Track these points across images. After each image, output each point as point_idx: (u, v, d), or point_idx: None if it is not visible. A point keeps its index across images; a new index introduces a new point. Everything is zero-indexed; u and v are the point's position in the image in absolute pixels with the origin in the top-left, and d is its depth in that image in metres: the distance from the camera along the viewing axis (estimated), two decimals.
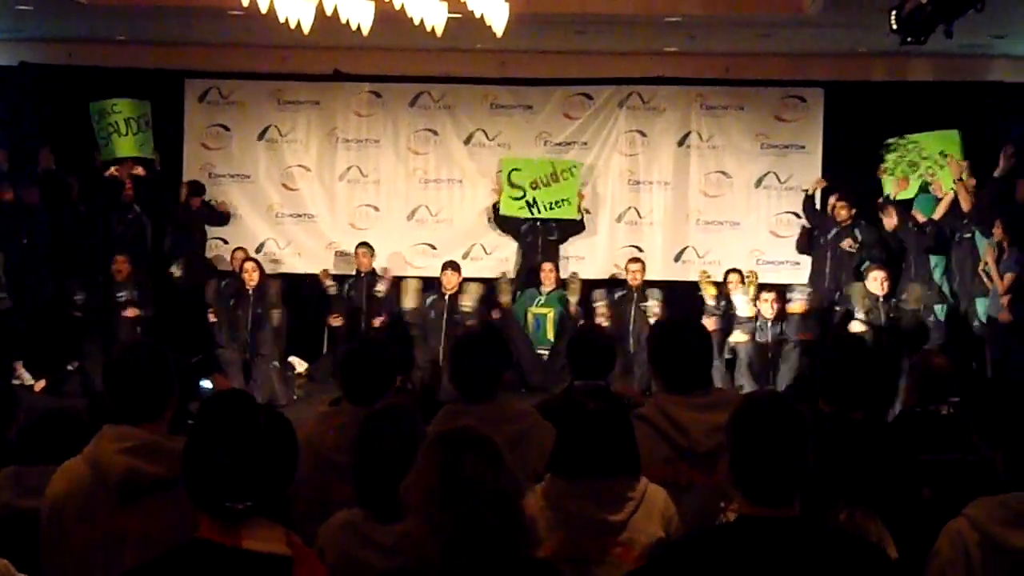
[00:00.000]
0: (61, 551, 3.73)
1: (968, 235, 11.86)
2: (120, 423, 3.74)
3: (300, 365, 12.65)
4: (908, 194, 12.65)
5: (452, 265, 12.63)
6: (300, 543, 3.09)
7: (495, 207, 13.60)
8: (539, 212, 13.37)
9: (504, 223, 13.58)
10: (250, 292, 11.93)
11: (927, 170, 12.65)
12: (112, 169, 13.14)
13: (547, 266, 12.86)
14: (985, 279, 11.34)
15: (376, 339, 5.57)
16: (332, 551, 3.69)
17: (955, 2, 6.34)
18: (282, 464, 3.04)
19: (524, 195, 13.37)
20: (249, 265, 12.08)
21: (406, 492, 3.08)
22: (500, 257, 13.69)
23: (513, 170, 13.45)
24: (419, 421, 3.92)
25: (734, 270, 12.59)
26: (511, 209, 13.43)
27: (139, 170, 13.12)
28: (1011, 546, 3.36)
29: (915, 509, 4.15)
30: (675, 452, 4.51)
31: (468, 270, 13.42)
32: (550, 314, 12.61)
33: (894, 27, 7.32)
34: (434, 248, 13.83)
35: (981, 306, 11.49)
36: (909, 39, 7.24)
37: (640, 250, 13.60)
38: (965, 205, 11.83)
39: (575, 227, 13.54)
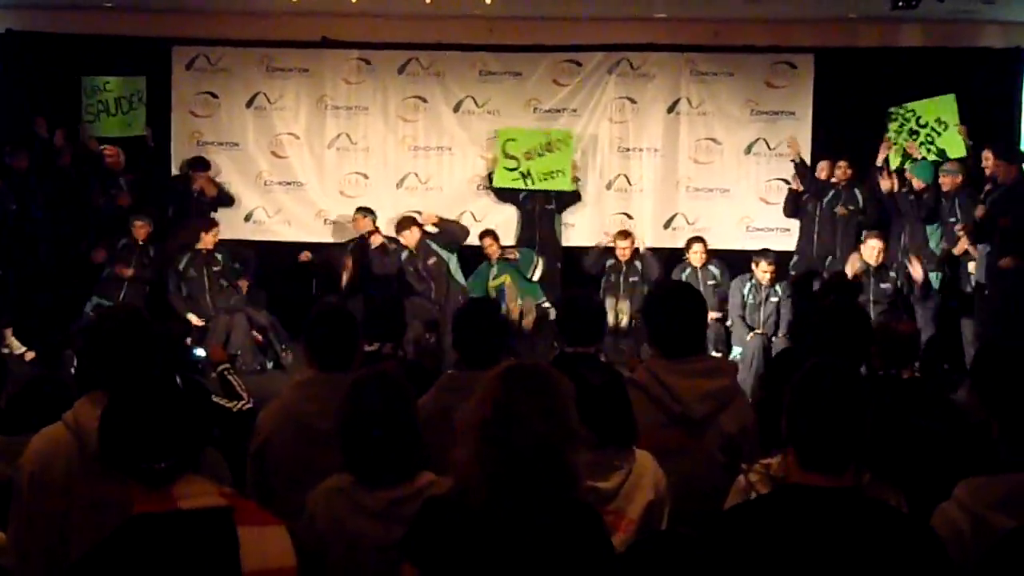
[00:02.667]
0: (39, 516, 3.73)
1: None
2: (103, 389, 3.74)
3: None
4: (894, 159, 12.66)
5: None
6: (233, 492, 3.12)
7: (489, 177, 13.57)
8: (532, 183, 13.35)
9: (501, 192, 13.57)
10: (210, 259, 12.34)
11: (926, 137, 12.63)
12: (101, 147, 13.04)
13: (487, 240, 12.95)
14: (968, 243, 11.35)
15: (336, 305, 5.53)
16: (322, 517, 3.71)
17: None
18: (196, 418, 3.07)
19: (518, 166, 13.34)
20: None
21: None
22: (490, 224, 13.63)
23: (508, 140, 13.41)
24: (406, 387, 3.92)
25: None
26: (505, 180, 13.41)
27: (110, 151, 13.01)
28: (1001, 527, 3.34)
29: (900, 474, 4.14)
30: (668, 418, 4.53)
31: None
32: (507, 280, 12.66)
33: None
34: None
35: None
36: (900, 4, 7.22)
37: (630, 217, 13.60)
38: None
39: (572, 197, 13.53)
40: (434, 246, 12.64)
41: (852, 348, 4.90)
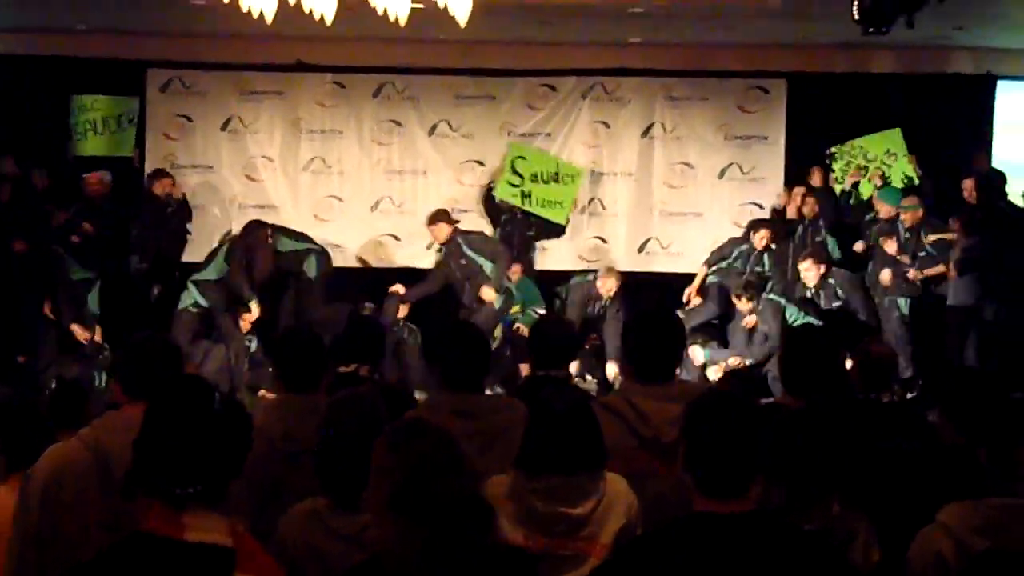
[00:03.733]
0: (50, 535, 3.72)
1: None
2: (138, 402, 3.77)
3: None
4: (865, 188, 12.77)
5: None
6: (244, 533, 3.09)
7: (489, 187, 13.54)
8: (530, 205, 13.32)
9: (488, 210, 13.51)
10: None
11: (875, 170, 12.80)
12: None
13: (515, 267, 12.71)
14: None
15: (302, 327, 5.56)
16: (294, 541, 3.70)
17: None
18: (234, 450, 3.04)
19: (521, 184, 13.35)
20: None
21: (367, 498, 3.10)
22: None
23: (518, 157, 13.42)
24: (382, 409, 3.93)
25: None
26: (505, 194, 13.36)
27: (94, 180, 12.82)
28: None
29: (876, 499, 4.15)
30: (639, 442, 4.53)
31: (431, 261, 13.43)
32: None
33: (856, 17, 7.35)
34: (398, 239, 13.79)
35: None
36: (871, 30, 7.27)
37: (604, 241, 13.65)
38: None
39: (556, 229, 13.51)
40: (465, 247, 12.27)
41: (821, 372, 4.92)
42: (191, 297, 11.78)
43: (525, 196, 13.34)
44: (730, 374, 10.30)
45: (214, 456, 3.00)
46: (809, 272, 11.49)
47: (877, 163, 12.85)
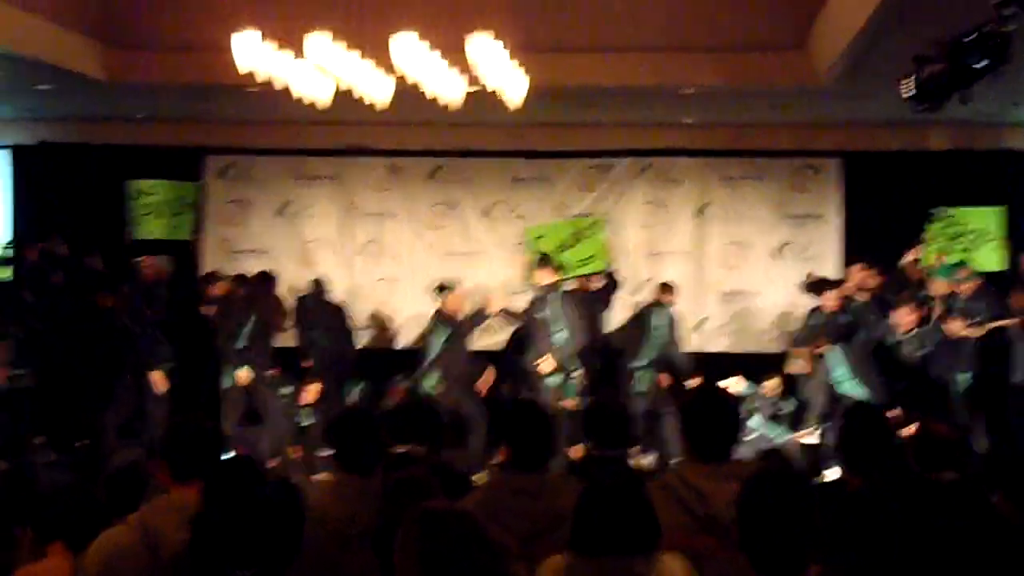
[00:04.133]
0: None
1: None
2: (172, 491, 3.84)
3: None
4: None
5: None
6: None
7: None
8: (569, 272, 13.34)
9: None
10: None
11: (966, 244, 12.62)
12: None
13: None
14: None
15: (360, 408, 5.55)
16: None
17: (972, 70, 6.34)
18: (286, 531, 3.04)
19: (553, 262, 13.36)
20: None
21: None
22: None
23: (538, 238, 13.46)
24: (439, 492, 3.91)
25: None
26: (543, 279, 13.35)
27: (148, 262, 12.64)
28: None
29: None
30: (696, 522, 4.47)
31: (487, 343, 13.44)
32: None
33: (910, 94, 7.33)
34: None
35: None
36: (924, 107, 7.24)
37: None
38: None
39: (611, 287, 13.26)
40: (553, 302, 12.15)
41: (880, 450, 4.87)
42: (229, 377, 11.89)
43: (560, 269, 13.33)
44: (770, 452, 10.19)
45: (267, 538, 2.99)
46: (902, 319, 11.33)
47: (972, 237, 12.66)
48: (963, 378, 11.51)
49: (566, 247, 13.39)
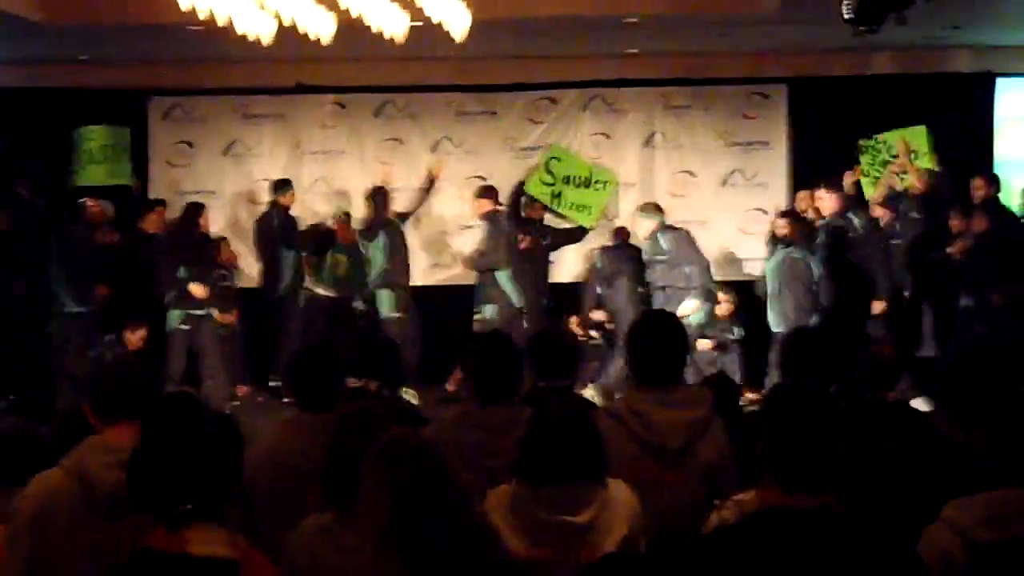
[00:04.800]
0: (41, 563, 3.74)
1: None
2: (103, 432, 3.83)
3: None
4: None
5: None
6: (246, 544, 3.13)
7: (520, 184, 13.51)
8: (559, 206, 13.41)
9: (513, 215, 13.26)
10: None
11: (899, 166, 12.71)
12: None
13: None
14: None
15: (321, 345, 5.57)
16: (302, 556, 3.69)
17: None
18: (226, 465, 3.07)
19: (554, 184, 13.38)
20: None
21: (360, 518, 3.11)
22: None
23: (553, 158, 13.44)
24: (390, 425, 3.94)
25: None
26: (536, 190, 13.39)
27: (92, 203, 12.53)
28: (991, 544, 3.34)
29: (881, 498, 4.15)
30: (645, 449, 4.53)
31: (440, 277, 13.48)
32: None
33: (846, 17, 7.36)
34: None
35: None
36: (862, 29, 7.29)
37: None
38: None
39: (572, 236, 13.46)
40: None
41: (820, 370, 4.96)
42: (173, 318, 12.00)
43: (555, 196, 13.38)
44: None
45: (207, 473, 3.03)
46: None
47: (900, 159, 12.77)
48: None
49: (571, 183, 13.42)
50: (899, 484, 4.17)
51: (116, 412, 3.92)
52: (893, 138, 12.77)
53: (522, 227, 12.88)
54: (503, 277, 12.22)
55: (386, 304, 12.51)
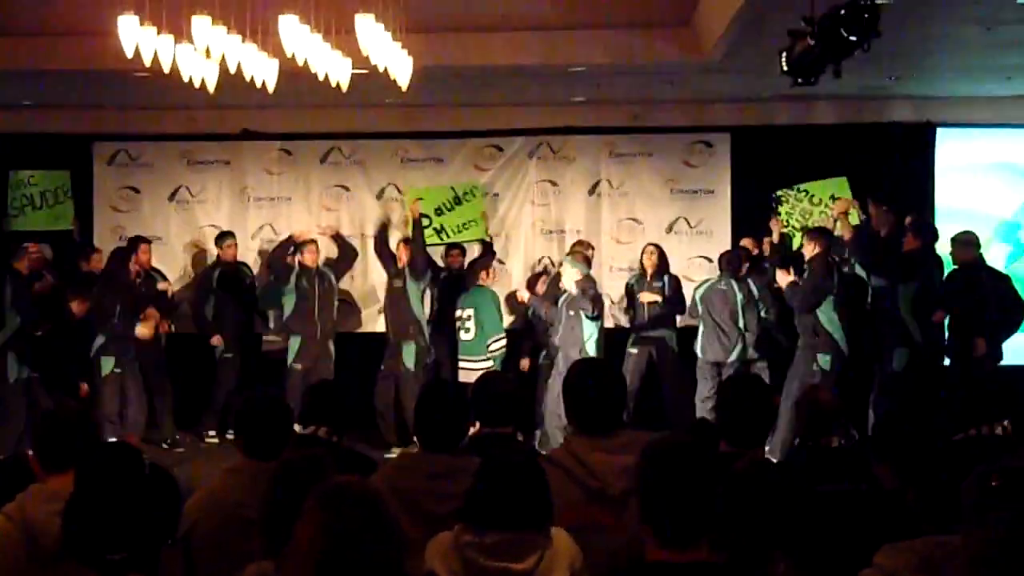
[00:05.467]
0: None
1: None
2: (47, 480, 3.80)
3: None
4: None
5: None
6: None
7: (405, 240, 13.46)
8: (448, 237, 13.48)
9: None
10: None
11: (820, 216, 12.88)
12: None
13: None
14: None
15: (269, 393, 5.53)
16: None
17: (841, 43, 6.47)
18: (162, 516, 3.06)
19: (431, 223, 13.41)
20: None
21: (291, 555, 3.10)
22: None
23: (417, 200, 13.46)
24: (333, 472, 3.93)
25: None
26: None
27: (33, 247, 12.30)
28: None
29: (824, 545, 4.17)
30: (586, 495, 4.55)
31: (382, 325, 13.46)
32: None
33: (784, 69, 7.46)
34: (349, 304, 13.76)
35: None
36: (800, 81, 7.39)
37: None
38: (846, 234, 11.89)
39: (485, 261, 13.23)
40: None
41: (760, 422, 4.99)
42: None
43: (439, 231, 13.43)
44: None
45: (142, 522, 3.02)
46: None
47: (822, 207, 12.94)
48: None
49: (444, 210, 13.49)
50: (832, 532, 4.20)
51: (60, 460, 3.92)
52: (815, 188, 12.97)
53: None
54: None
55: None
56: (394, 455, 11.24)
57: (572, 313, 11.76)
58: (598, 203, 14.06)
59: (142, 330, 11.87)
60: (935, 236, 11.92)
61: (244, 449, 4.86)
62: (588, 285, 11.85)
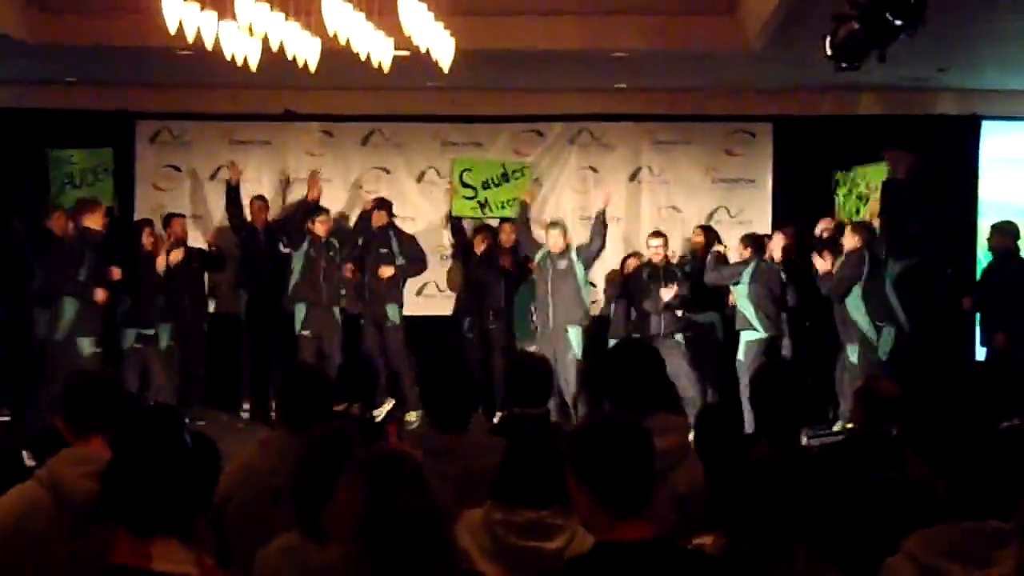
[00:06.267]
0: (14, 572, 3.73)
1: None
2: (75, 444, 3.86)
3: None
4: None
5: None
6: (212, 565, 3.12)
7: (448, 213, 13.59)
8: (491, 212, 13.51)
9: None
10: None
11: (873, 201, 12.80)
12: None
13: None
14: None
15: (312, 366, 5.58)
16: (269, 575, 3.69)
17: (887, 27, 6.42)
18: (201, 483, 3.06)
19: (476, 195, 13.46)
20: None
21: (330, 520, 3.10)
22: (453, 295, 13.71)
23: (464, 170, 13.47)
24: (359, 445, 3.94)
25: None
26: (463, 209, 13.55)
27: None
28: None
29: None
30: None
31: (421, 307, 13.47)
32: None
33: (829, 53, 7.42)
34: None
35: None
36: (844, 65, 7.34)
37: (594, 285, 13.59)
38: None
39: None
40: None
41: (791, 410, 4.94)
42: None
43: (482, 205, 13.46)
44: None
45: (182, 485, 3.03)
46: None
47: (875, 193, 12.85)
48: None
49: (490, 184, 13.50)
50: (860, 521, 4.16)
51: (89, 425, 3.93)
52: (868, 172, 12.91)
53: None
54: None
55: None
56: (414, 418, 11.34)
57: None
58: (638, 190, 14.03)
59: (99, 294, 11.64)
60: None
61: (283, 419, 4.88)
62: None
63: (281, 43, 8.38)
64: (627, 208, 13.98)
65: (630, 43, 11.23)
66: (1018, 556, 3.08)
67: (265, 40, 8.35)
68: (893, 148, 12.08)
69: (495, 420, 5.47)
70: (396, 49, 8.84)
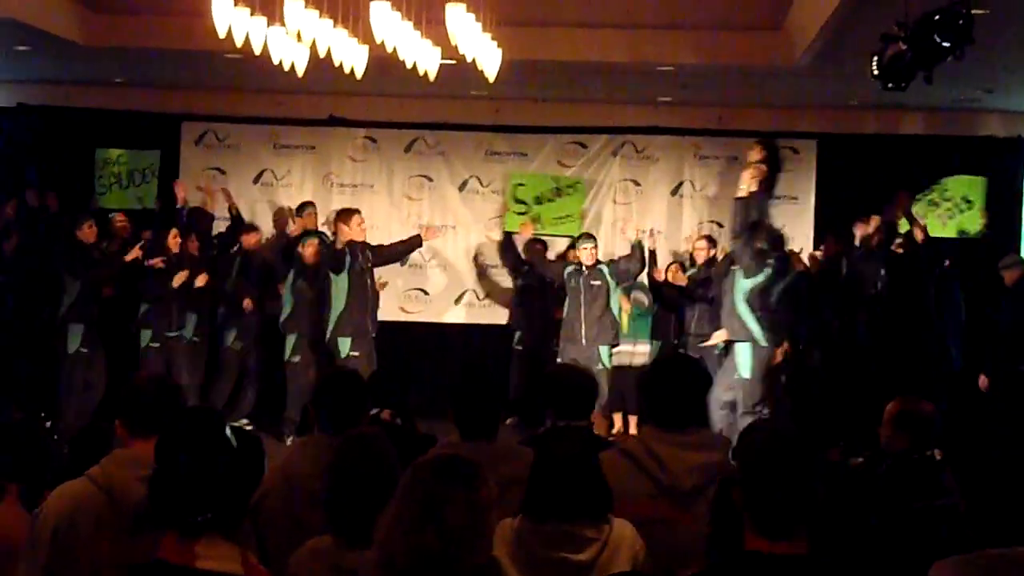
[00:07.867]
0: (63, 572, 3.76)
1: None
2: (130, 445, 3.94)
3: None
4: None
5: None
6: (256, 563, 3.14)
7: (505, 236, 13.55)
8: (543, 228, 13.49)
9: (508, 260, 13.57)
10: None
11: (946, 211, 12.74)
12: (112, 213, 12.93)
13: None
14: None
15: (349, 369, 5.61)
16: None
17: (934, 49, 6.41)
18: (246, 480, 3.09)
19: (528, 210, 13.47)
20: None
21: (379, 528, 3.11)
22: (491, 297, 13.77)
23: (518, 185, 13.52)
24: (392, 449, 3.97)
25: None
26: (515, 224, 13.49)
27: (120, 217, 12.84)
28: None
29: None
30: (655, 488, 4.53)
31: (461, 316, 13.50)
32: None
33: (875, 73, 7.40)
34: (426, 294, 13.85)
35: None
36: (890, 85, 7.32)
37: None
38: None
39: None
40: None
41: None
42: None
43: (535, 220, 13.43)
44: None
45: (227, 484, 3.05)
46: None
47: (951, 204, 12.80)
48: None
49: (543, 200, 13.51)
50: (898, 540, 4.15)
51: (146, 426, 3.96)
52: (951, 183, 12.88)
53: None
54: None
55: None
56: None
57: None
58: (680, 204, 14.02)
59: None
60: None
61: (319, 423, 4.92)
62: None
63: (328, 49, 8.43)
64: (668, 221, 13.97)
65: (676, 57, 11.25)
66: None
67: (313, 46, 8.39)
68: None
69: (539, 431, 5.48)
70: (442, 58, 8.88)
